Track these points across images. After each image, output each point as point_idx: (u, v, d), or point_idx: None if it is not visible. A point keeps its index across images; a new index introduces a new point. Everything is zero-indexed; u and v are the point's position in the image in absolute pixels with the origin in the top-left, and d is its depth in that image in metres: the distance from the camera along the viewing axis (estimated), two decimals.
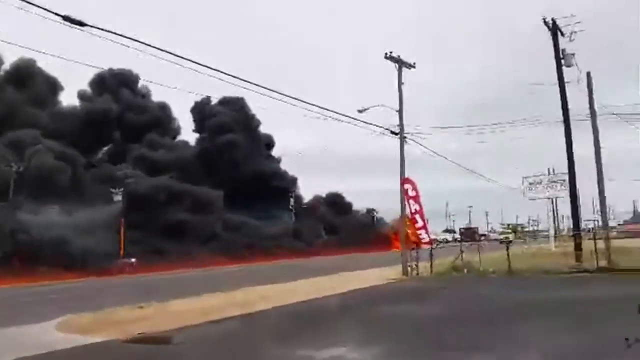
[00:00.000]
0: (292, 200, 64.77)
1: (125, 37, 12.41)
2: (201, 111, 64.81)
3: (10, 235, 37.08)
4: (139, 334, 9.86)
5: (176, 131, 66.78)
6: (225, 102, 60.76)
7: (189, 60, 14.14)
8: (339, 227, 67.68)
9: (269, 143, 69.45)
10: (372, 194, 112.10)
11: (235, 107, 62.51)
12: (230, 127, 61.86)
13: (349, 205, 75.22)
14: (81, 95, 59.93)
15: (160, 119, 62.85)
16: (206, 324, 10.92)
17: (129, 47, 12.61)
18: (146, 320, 11.45)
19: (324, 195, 73.29)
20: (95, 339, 9.60)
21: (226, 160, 58.97)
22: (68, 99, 58.47)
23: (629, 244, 24.17)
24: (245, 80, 16.29)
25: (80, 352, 8.79)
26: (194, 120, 66.86)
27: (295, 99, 19.06)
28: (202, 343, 9.25)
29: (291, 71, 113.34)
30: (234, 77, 15.75)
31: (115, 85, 59.44)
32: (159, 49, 13.30)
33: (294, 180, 67.99)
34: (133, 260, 40.47)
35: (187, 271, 35.14)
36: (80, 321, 11.70)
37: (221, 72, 15.18)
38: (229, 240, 50.83)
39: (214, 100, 62.58)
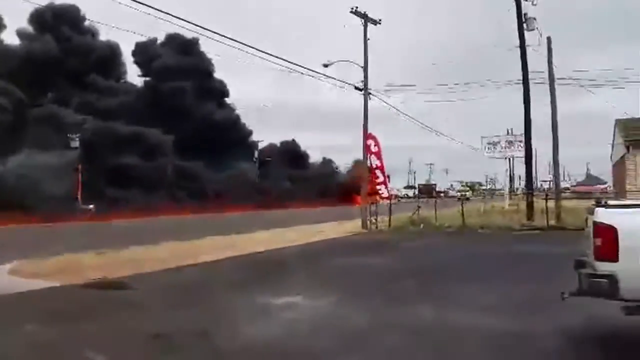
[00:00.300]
0: (256, 152, 64.29)
1: None
2: (145, 52, 59.97)
3: None
4: (93, 279, 9.86)
5: (123, 73, 61.63)
6: (171, 40, 56.97)
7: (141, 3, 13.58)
8: (299, 180, 67.07)
9: (223, 91, 65.20)
10: (332, 149, 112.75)
11: (185, 48, 58.76)
12: (180, 70, 57.54)
13: (305, 155, 73.38)
14: (20, 34, 53.96)
15: (107, 60, 57.60)
16: (163, 272, 10.99)
17: None
18: (103, 266, 11.42)
19: (278, 144, 70.71)
20: (51, 283, 9.55)
21: (176, 106, 55.57)
22: (11, 37, 52.94)
23: (579, 204, 25.21)
24: (203, 27, 15.77)
25: (33, 295, 8.73)
26: (136, 63, 61.75)
27: (259, 50, 18.76)
28: (157, 289, 9.31)
29: (260, 25, 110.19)
30: (193, 23, 15.28)
31: (57, 22, 53.65)
32: None
33: (249, 132, 66.76)
34: (91, 206, 39.81)
35: (145, 219, 34.84)
36: (35, 266, 11.57)
37: (179, 18, 14.68)
38: (189, 190, 50.27)
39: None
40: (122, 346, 5.68)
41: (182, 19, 15.02)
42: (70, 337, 6.04)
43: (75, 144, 44.08)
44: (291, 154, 70.76)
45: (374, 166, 23.24)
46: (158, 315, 7.17)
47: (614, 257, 4.74)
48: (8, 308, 7.79)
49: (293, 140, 72.14)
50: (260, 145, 68.46)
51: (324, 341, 5.81)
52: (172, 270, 11.23)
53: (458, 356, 5.25)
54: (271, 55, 20.15)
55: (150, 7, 13.92)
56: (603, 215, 4.92)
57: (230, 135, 61.20)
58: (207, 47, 57.97)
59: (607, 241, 4.78)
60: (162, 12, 14.22)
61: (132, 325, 6.59)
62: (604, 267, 4.80)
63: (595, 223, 4.94)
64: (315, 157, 75.49)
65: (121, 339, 5.96)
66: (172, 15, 14.53)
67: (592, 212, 5.16)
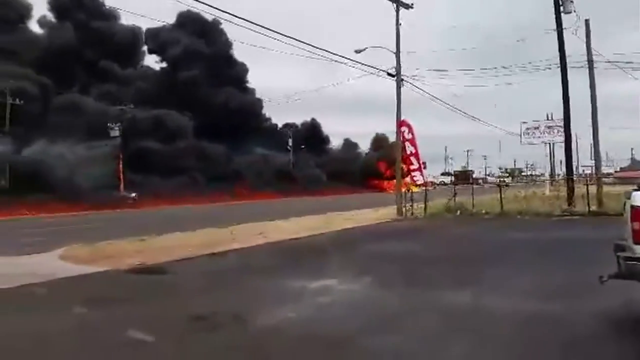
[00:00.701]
0: (290, 140, 64.58)
1: None
2: (157, 39, 60.41)
3: (10, 169, 37.38)
4: (138, 264, 10.25)
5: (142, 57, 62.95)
6: (186, 21, 56.62)
7: None
8: (328, 167, 66.57)
9: (242, 76, 65.51)
10: (366, 136, 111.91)
11: (202, 30, 58.97)
12: (199, 55, 58.09)
13: (326, 138, 73.98)
14: (41, 22, 54.55)
15: (128, 46, 58.20)
16: (202, 257, 11.32)
17: None
18: (145, 252, 11.83)
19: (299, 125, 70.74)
20: (96, 268, 9.99)
21: (196, 92, 56.58)
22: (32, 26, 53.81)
23: (622, 189, 24.47)
24: (231, 14, 15.70)
25: (82, 280, 9.16)
26: (150, 50, 62.59)
27: (293, 38, 18.85)
28: (197, 274, 9.61)
29: (291, 15, 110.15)
30: (219, 9, 15.13)
31: (77, 9, 54.14)
32: None
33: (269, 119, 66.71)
34: (134, 194, 41.04)
35: (187, 206, 35.68)
36: (83, 252, 12.08)
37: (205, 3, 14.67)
38: (228, 179, 50.93)
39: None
40: (164, 327, 5.92)
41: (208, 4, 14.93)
42: (116, 318, 6.34)
43: (116, 133, 45.23)
44: (316, 139, 71.05)
45: (409, 153, 23.11)
46: (198, 299, 7.43)
47: None
48: (60, 291, 8.21)
49: (313, 122, 72.18)
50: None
51: (359, 322, 5.92)
52: (211, 255, 11.54)
53: (495, 339, 5.27)
54: (298, 40, 20.19)
55: None
56: None
57: (255, 122, 61.74)
58: (233, 32, 57.94)
59: None
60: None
61: (174, 308, 6.86)
62: None
63: (632, 207, 4.88)
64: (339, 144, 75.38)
65: (163, 321, 6.22)
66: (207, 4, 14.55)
67: (629, 197, 5.09)
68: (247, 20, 16.14)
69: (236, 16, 15.48)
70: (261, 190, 49.54)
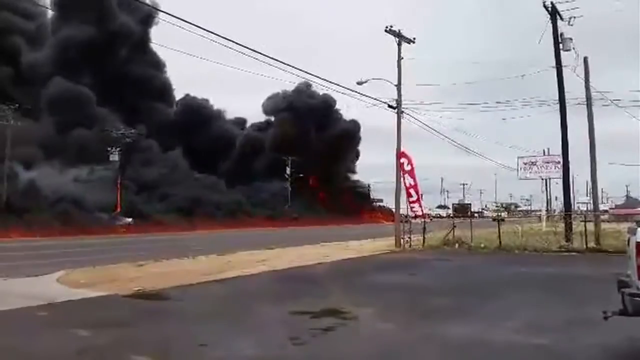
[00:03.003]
0: (288, 169, 64.69)
1: None
2: None
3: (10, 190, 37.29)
4: (137, 289, 10.20)
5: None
6: None
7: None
8: (328, 196, 67.05)
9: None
10: (363, 166, 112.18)
11: None
12: None
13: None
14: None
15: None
16: (202, 284, 11.28)
17: None
18: (142, 278, 11.79)
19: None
20: (95, 292, 9.93)
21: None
22: None
23: (618, 227, 24.60)
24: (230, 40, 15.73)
25: (81, 304, 9.10)
26: None
27: (294, 67, 19.18)
28: (198, 300, 9.58)
29: (294, 46, 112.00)
30: (223, 37, 15.34)
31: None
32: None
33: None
34: (130, 220, 40.89)
35: (181, 234, 35.54)
36: (81, 276, 12.02)
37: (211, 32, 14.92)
38: (223, 207, 50.87)
39: None
40: (160, 352, 5.89)
41: (223, 37, 15.19)
42: (115, 343, 6.30)
43: (115, 157, 45.25)
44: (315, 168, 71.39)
45: (408, 185, 23.20)
46: (194, 326, 7.39)
47: None
48: (57, 315, 8.14)
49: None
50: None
51: (360, 351, 5.91)
52: (211, 283, 11.50)
53: None
54: (301, 70, 20.51)
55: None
56: None
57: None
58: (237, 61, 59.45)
59: None
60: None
61: (172, 335, 6.82)
62: None
63: (638, 243, 4.94)
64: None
65: (161, 347, 6.17)
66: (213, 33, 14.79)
67: (633, 232, 5.16)
68: (250, 49, 16.33)
69: (238, 44, 15.69)
70: (258, 218, 49.46)
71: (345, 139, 69.79)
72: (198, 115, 63.32)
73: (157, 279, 11.61)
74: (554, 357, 5.60)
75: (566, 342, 6.16)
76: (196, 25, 14.12)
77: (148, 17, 52.38)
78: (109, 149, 45.41)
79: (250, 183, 58.65)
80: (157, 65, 59.94)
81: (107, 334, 6.74)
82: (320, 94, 62.07)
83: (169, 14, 14.18)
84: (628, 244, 5.50)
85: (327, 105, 66.73)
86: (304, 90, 61.73)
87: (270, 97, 69.35)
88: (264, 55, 16.96)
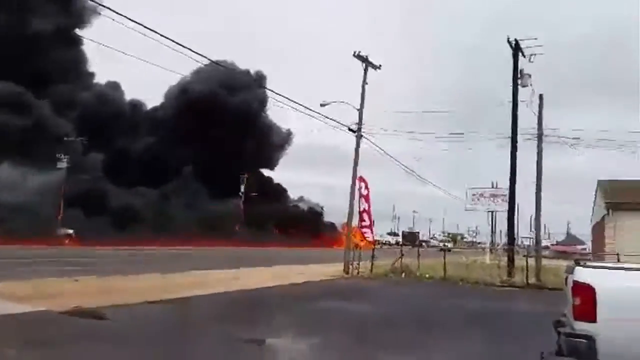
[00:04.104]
0: (242, 187, 63.85)
1: None
2: None
3: None
4: (74, 307, 9.72)
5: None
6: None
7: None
8: (280, 218, 66.42)
9: None
10: (317, 187, 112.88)
11: None
12: None
13: (283, 191, 73.83)
14: None
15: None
16: (142, 304, 10.82)
17: None
18: (78, 294, 11.27)
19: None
20: (28, 308, 9.40)
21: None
22: None
23: (559, 263, 25.48)
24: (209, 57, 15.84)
25: (11, 320, 8.59)
26: None
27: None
28: (136, 322, 9.22)
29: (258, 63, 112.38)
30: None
31: None
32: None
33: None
34: (71, 231, 39.28)
35: (122, 249, 34.36)
36: (10, 289, 11.37)
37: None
38: (172, 224, 49.46)
39: None
40: None
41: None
42: None
43: (63, 164, 43.40)
44: (269, 188, 70.56)
45: (362, 209, 23.38)
46: (126, 349, 7.09)
47: (592, 317, 4.76)
48: None
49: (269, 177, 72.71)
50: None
51: None
52: (148, 304, 11.06)
53: None
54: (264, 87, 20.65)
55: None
56: (582, 275, 4.97)
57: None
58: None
59: (586, 301, 4.80)
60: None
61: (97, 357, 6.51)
62: (583, 327, 4.81)
63: (574, 282, 5.02)
64: (295, 195, 75.56)
65: None
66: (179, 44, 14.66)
67: (571, 271, 5.25)
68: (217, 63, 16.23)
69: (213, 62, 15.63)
70: (207, 237, 48.24)
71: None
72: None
73: (97, 296, 11.11)
74: None
75: None
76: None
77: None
78: (58, 155, 43.57)
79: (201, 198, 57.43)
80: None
81: (38, 354, 6.37)
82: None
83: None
84: (565, 282, 5.61)
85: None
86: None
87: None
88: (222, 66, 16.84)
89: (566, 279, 5.61)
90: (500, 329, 10.27)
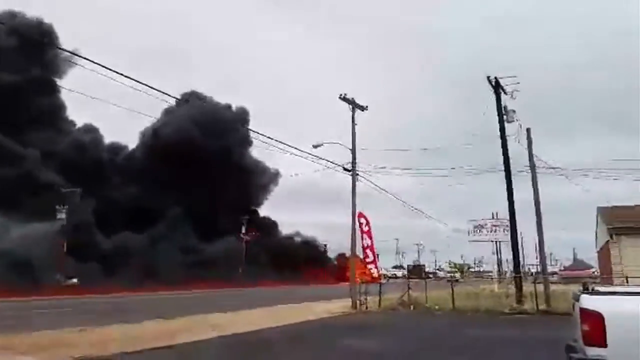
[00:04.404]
0: (243, 228, 63.77)
1: None
2: None
3: None
4: (79, 357, 9.63)
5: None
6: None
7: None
8: (282, 257, 65.92)
9: None
10: (317, 226, 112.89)
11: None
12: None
13: (273, 224, 73.29)
14: None
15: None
16: (149, 351, 10.77)
17: None
18: (86, 344, 11.16)
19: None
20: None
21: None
22: None
23: (567, 288, 25.27)
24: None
25: None
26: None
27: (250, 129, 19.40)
28: None
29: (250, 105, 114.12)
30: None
31: None
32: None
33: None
34: (75, 280, 39.07)
35: (126, 295, 34.11)
36: (18, 342, 11.28)
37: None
38: (171, 266, 49.07)
39: None
40: None
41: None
42: None
43: (62, 215, 43.56)
44: (268, 228, 70.54)
45: (365, 245, 23.35)
46: None
47: (602, 342, 4.87)
48: None
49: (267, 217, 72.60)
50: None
51: None
52: (157, 349, 10.98)
53: None
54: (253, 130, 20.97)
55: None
56: (589, 302, 5.08)
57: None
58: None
59: (595, 327, 4.91)
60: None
61: None
62: (593, 352, 4.92)
63: (581, 309, 5.09)
64: (298, 233, 75.35)
65: None
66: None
67: (577, 298, 5.32)
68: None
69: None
70: (211, 279, 47.88)
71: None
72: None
73: (101, 345, 11.00)
74: None
75: None
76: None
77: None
78: (57, 206, 43.77)
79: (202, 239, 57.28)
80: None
81: None
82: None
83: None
84: (573, 309, 5.66)
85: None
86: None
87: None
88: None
89: (573, 305, 5.67)
90: (513, 356, 10.17)
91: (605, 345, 4.86)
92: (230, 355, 10.68)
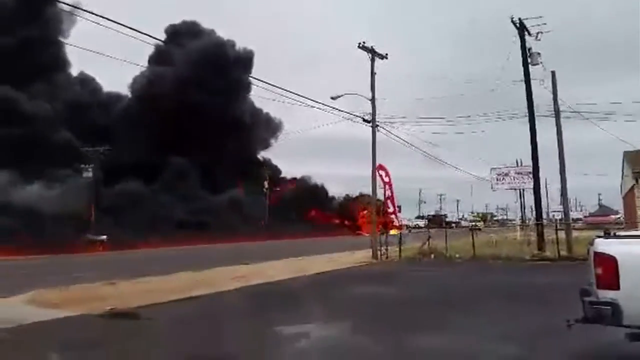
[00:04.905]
0: (266, 183, 64.46)
1: None
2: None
3: None
4: (110, 309, 10.05)
5: None
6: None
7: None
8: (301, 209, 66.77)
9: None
10: (337, 178, 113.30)
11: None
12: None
13: (325, 192, 73.62)
14: None
15: None
16: (177, 302, 11.17)
17: None
18: (115, 296, 11.62)
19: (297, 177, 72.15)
20: (66, 313, 9.75)
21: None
22: None
23: (591, 234, 25.11)
24: None
25: (52, 325, 8.93)
26: None
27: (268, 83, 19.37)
28: (171, 319, 9.50)
29: (266, 59, 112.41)
30: None
31: None
32: None
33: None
34: (104, 237, 40.20)
35: (156, 250, 35.08)
36: (51, 296, 11.79)
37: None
38: (202, 221, 50.04)
39: None
40: None
41: None
42: None
43: (89, 174, 44.43)
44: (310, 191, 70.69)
45: (386, 196, 23.45)
46: (166, 344, 7.35)
47: (615, 285, 4.91)
48: (24, 337, 7.98)
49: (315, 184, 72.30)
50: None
51: None
52: (186, 300, 11.39)
53: None
54: (274, 85, 20.79)
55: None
56: (603, 246, 5.12)
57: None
58: None
59: (608, 270, 4.95)
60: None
61: (141, 354, 6.76)
62: (606, 295, 4.97)
63: (595, 253, 5.12)
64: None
65: None
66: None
67: (592, 243, 5.34)
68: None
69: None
70: (236, 232, 48.85)
71: None
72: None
73: (131, 297, 11.45)
74: None
75: (533, 349, 6.30)
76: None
77: None
78: (82, 165, 44.59)
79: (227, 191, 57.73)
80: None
81: (77, 356, 6.66)
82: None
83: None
84: (588, 253, 5.68)
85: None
86: None
87: None
88: None
89: (588, 250, 5.69)
90: (529, 300, 10.31)
91: (618, 288, 4.90)
92: (253, 303, 11.01)
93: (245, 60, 62.26)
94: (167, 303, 10.93)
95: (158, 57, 56.25)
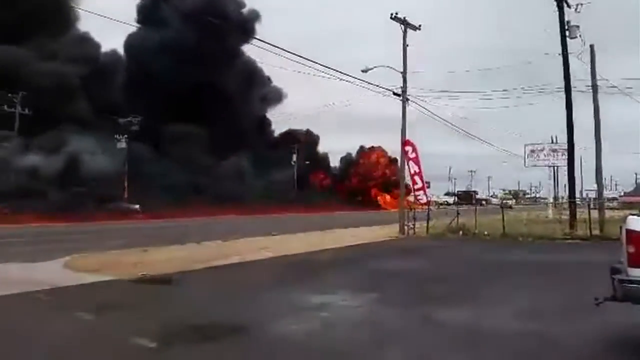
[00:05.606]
0: (294, 156, 64.78)
1: None
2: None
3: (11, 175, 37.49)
4: (142, 274, 10.38)
5: None
6: None
7: None
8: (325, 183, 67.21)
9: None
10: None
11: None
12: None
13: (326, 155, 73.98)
14: None
15: None
16: (206, 269, 11.47)
17: None
18: (148, 263, 11.97)
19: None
20: (101, 277, 10.12)
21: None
22: None
23: (625, 214, 24.51)
24: None
25: (86, 288, 9.29)
26: None
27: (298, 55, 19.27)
28: (200, 285, 9.78)
29: (296, 33, 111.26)
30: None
31: None
32: None
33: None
34: (137, 206, 41.22)
35: (188, 220, 35.77)
36: (87, 262, 12.24)
37: None
38: (232, 193, 50.42)
39: None
40: (166, 334, 6.04)
41: None
42: (120, 325, 6.48)
43: (122, 145, 45.27)
44: (316, 154, 71.39)
45: (413, 172, 23.25)
46: (198, 308, 7.57)
47: None
48: (61, 299, 8.33)
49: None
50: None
51: (361, 337, 6.04)
52: (213, 268, 11.67)
53: (490, 355, 5.38)
54: (305, 58, 20.62)
55: None
56: (634, 223, 5.01)
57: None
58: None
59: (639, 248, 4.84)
60: None
61: (176, 316, 6.99)
62: (637, 273, 4.89)
63: (627, 230, 5.01)
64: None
65: (162, 328, 6.32)
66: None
67: (625, 221, 5.23)
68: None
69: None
70: (264, 205, 49.32)
71: None
72: None
73: (162, 264, 11.78)
74: (546, 341, 5.69)
75: (559, 326, 6.26)
76: None
77: None
78: (116, 136, 45.28)
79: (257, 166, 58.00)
80: None
81: (110, 316, 6.93)
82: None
83: None
84: (620, 231, 5.57)
85: None
86: None
87: None
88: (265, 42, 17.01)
89: (620, 228, 5.58)
90: (558, 278, 10.22)
91: None
92: (279, 272, 11.23)
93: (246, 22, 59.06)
94: (197, 270, 11.22)
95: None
